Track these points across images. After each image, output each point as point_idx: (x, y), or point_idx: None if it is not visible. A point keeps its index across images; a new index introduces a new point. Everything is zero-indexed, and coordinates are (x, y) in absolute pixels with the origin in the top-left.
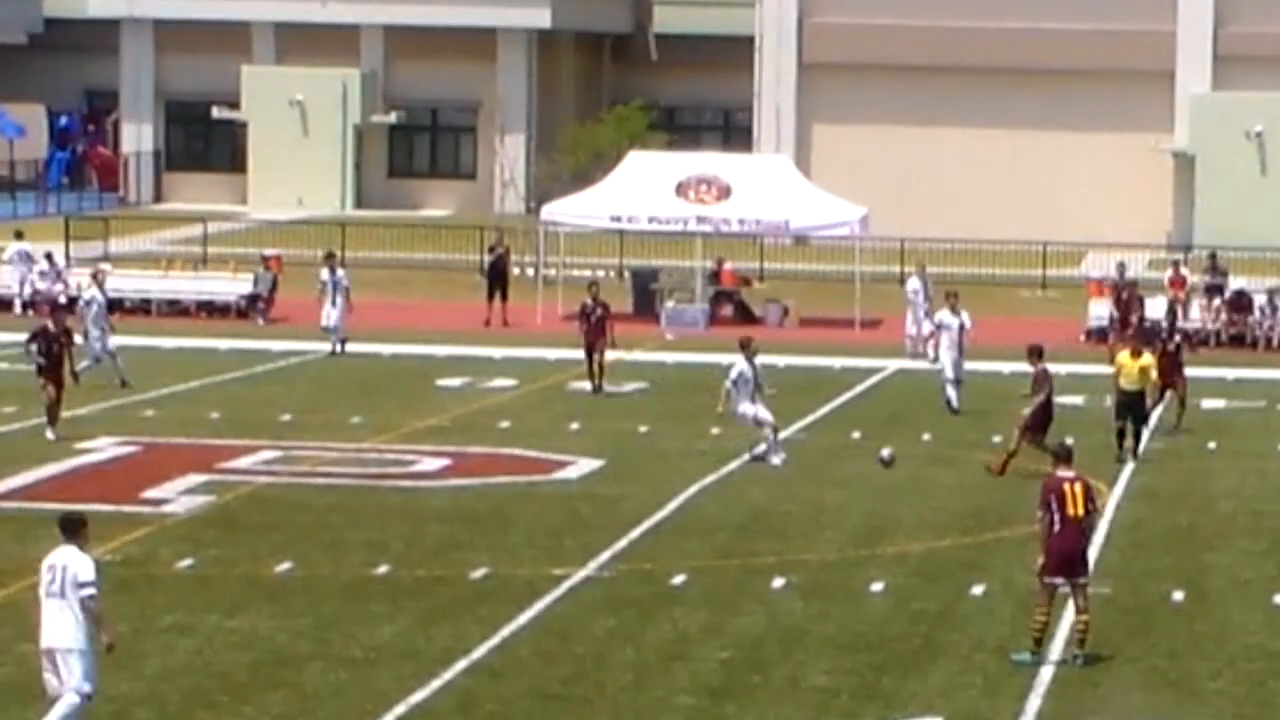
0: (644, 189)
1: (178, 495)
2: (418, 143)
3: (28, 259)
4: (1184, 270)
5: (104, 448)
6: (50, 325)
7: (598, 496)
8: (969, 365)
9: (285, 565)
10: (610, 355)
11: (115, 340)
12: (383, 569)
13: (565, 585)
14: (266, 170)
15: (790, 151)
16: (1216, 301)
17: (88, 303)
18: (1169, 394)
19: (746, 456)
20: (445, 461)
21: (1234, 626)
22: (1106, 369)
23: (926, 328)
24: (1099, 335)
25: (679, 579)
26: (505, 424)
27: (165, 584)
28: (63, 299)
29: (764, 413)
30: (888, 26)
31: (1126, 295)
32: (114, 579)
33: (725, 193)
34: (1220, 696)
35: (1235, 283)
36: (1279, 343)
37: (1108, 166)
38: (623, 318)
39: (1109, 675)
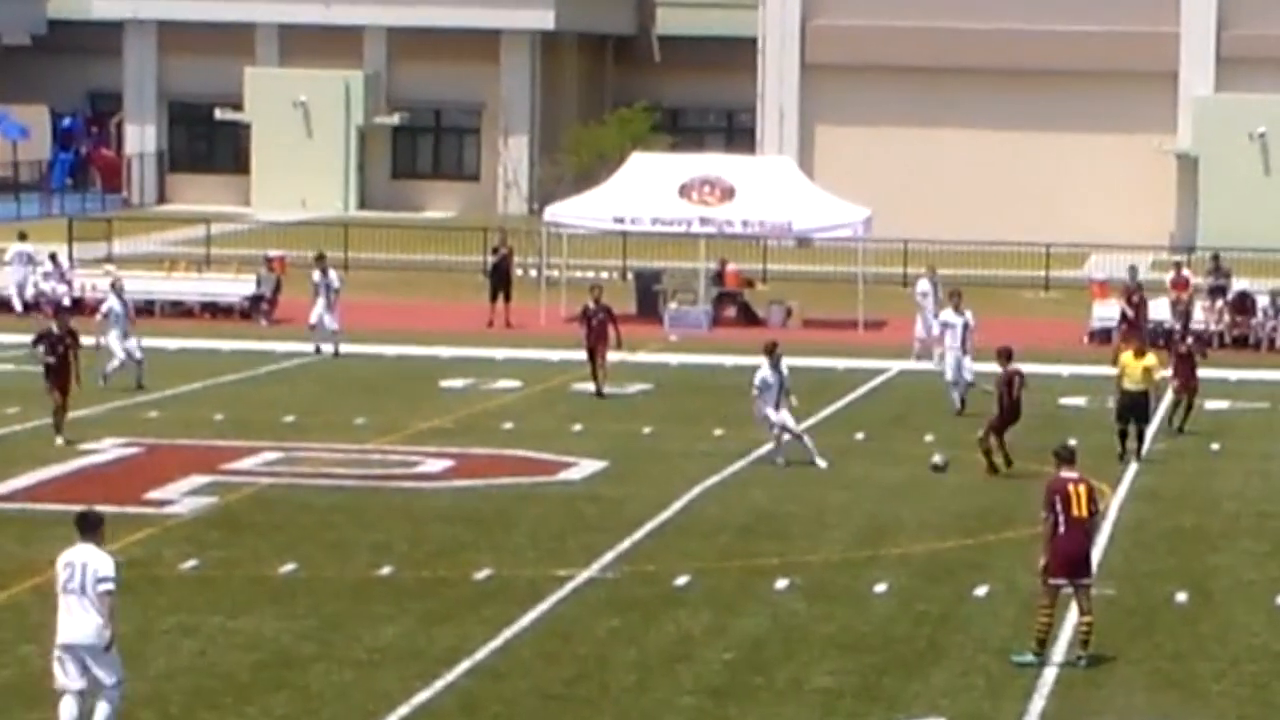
0: (647, 190)
1: (181, 496)
2: (421, 144)
3: (29, 260)
4: (1186, 271)
5: (107, 449)
6: (54, 328)
7: (601, 498)
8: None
9: (289, 566)
10: (614, 356)
11: (137, 343)
12: (386, 570)
13: (568, 586)
14: (270, 171)
15: (793, 153)
16: (1219, 303)
17: (105, 314)
18: (1180, 395)
19: (781, 461)
20: (448, 463)
21: (1237, 628)
22: (1110, 370)
23: (936, 330)
24: (1102, 336)
25: (682, 580)
26: (508, 425)
27: (168, 585)
28: (66, 300)
29: (789, 420)
30: (891, 28)
31: (1138, 298)
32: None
33: (728, 194)
34: (1223, 698)
35: (1238, 284)
36: None
37: (1111, 168)
38: (626, 319)
39: (1112, 676)
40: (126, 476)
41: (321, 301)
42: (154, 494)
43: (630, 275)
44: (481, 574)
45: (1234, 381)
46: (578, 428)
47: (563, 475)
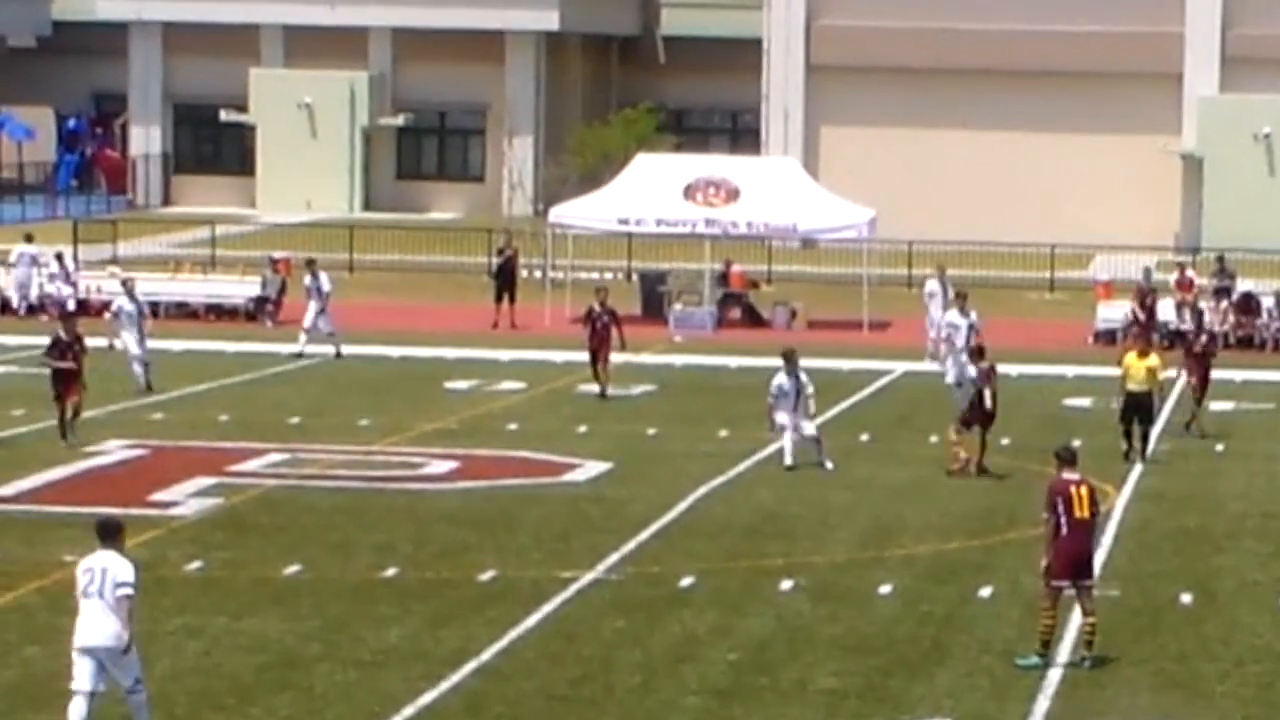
0: (652, 191)
1: (186, 498)
2: (426, 145)
3: (33, 262)
4: (1190, 272)
5: (112, 450)
6: (62, 334)
7: (606, 499)
8: None
9: (293, 567)
10: (618, 358)
11: (149, 345)
12: (391, 571)
13: (573, 587)
14: (274, 173)
15: (798, 154)
16: (1224, 303)
17: (115, 313)
18: (1199, 394)
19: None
20: (453, 464)
21: (1242, 628)
22: (1114, 371)
23: (938, 331)
24: (1107, 338)
25: (687, 581)
26: (513, 426)
27: (174, 586)
28: (71, 303)
29: (806, 425)
30: (896, 29)
31: (1150, 300)
32: None
33: (733, 195)
34: (1228, 698)
35: (1243, 285)
36: None
37: (1115, 168)
38: (630, 320)
39: (1116, 677)
40: (131, 478)
41: (314, 305)
42: (159, 496)
43: (635, 276)
44: (486, 575)
45: (1239, 382)
46: (582, 429)
47: (567, 476)
